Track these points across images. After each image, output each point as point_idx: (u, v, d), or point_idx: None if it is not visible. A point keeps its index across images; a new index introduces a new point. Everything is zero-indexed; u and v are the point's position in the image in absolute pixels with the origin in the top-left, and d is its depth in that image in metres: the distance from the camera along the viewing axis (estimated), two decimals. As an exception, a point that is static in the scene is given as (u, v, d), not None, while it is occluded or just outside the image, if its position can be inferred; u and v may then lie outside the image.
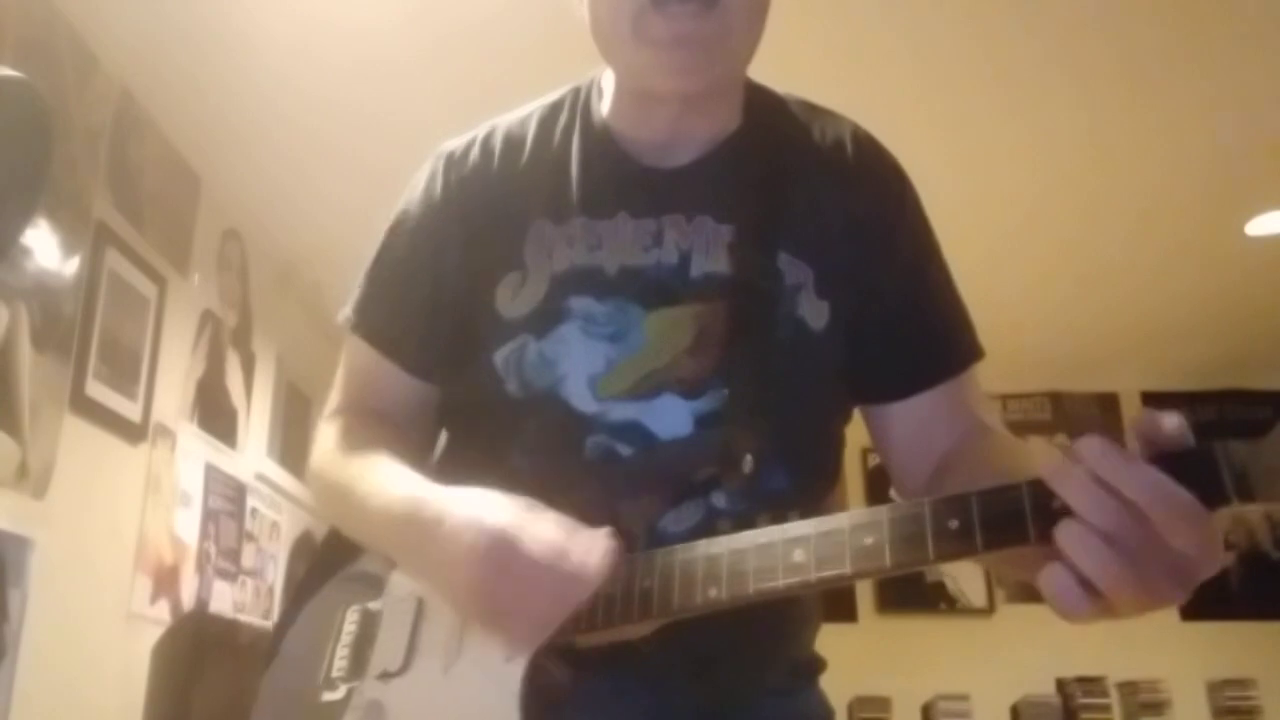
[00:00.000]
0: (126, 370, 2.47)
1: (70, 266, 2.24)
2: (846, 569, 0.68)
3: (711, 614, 0.75)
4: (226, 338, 3.09)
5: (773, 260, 0.90)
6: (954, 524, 0.65)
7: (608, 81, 0.99)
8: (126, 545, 2.45)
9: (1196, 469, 0.58)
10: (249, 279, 3.27)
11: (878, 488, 4.57)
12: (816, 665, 0.98)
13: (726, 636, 0.82)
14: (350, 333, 1.02)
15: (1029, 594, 4.41)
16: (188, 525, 2.76)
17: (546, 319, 0.90)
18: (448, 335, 0.96)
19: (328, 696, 0.90)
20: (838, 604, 4.28)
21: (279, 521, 3.48)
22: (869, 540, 0.67)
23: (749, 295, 0.89)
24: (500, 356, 0.91)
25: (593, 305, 0.90)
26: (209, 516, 2.89)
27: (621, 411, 0.87)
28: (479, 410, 0.95)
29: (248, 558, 3.17)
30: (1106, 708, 4.16)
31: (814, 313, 0.90)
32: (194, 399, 2.85)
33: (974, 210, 3.06)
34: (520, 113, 1.03)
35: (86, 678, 2.25)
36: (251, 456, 3.25)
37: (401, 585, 0.91)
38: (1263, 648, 4.27)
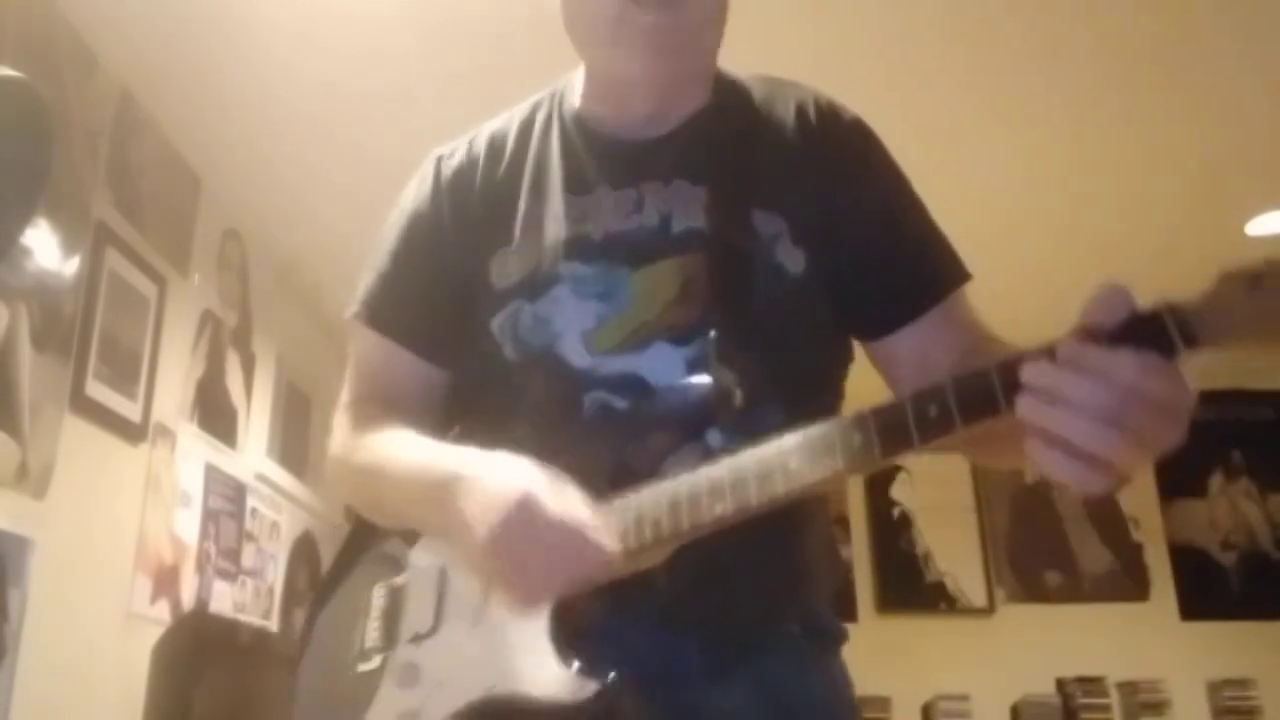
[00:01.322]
0: (126, 370, 2.47)
1: (70, 266, 2.24)
2: (840, 464, 0.74)
3: (722, 544, 0.81)
4: (226, 338, 3.09)
5: (747, 216, 0.96)
6: (933, 410, 0.71)
7: (579, 77, 1.07)
8: (126, 545, 2.45)
9: (1148, 330, 0.66)
10: (249, 279, 3.27)
11: (878, 487, 4.58)
12: (836, 633, 1.01)
13: (736, 573, 0.87)
14: (362, 326, 1.07)
15: (1029, 594, 4.43)
16: (188, 525, 2.76)
17: (538, 284, 0.96)
18: (450, 315, 1.02)
19: (364, 667, 0.95)
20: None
21: (279, 521, 3.48)
22: (858, 437, 0.74)
23: (727, 247, 0.95)
24: (496, 323, 0.97)
25: (581, 269, 0.96)
26: (209, 516, 2.89)
27: (615, 364, 0.92)
28: (482, 383, 1.00)
29: (248, 558, 3.17)
30: (1106, 708, 4.16)
31: (791, 259, 0.95)
32: (194, 399, 2.85)
33: (972, 210, 3.06)
34: (503, 115, 1.11)
35: (86, 678, 2.25)
36: (251, 456, 3.25)
37: (423, 559, 0.96)
38: (1263, 648, 4.27)
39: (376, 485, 0.99)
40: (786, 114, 1.03)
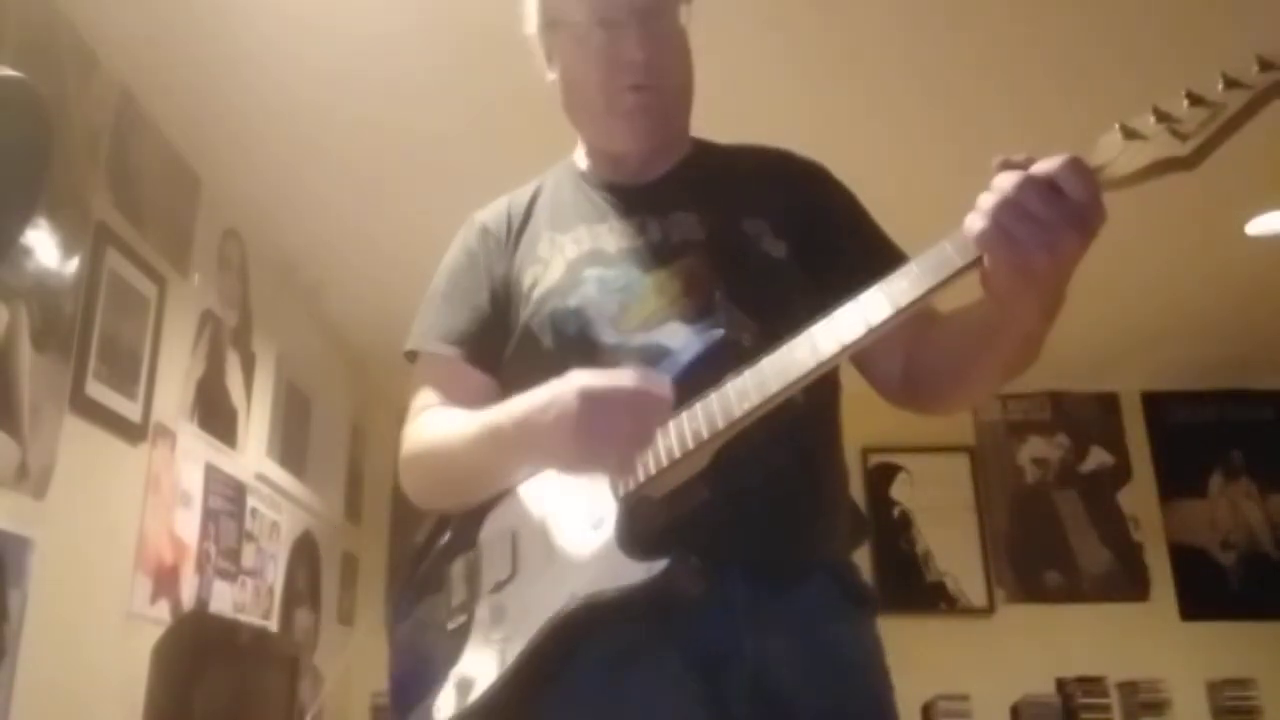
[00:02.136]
0: (126, 370, 2.47)
1: (70, 266, 2.24)
2: (834, 348, 0.92)
3: (753, 484, 1.00)
4: (226, 338, 3.09)
5: (737, 223, 1.17)
6: (902, 284, 0.90)
7: (578, 152, 1.32)
8: (126, 545, 2.45)
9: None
10: (249, 279, 3.27)
11: (878, 486, 4.59)
12: (870, 596, 1.13)
13: (766, 509, 1.04)
14: (430, 352, 1.24)
15: (1029, 594, 4.43)
16: (188, 525, 2.76)
17: (568, 286, 1.15)
18: (497, 330, 1.21)
19: (454, 624, 1.08)
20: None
21: (279, 521, 3.48)
22: (849, 320, 0.92)
23: (722, 244, 1.15)
24: (536, 322, 1.15)
25: (603, 271, 1.15)
26: (209, 516, 2.89)
27: (640, 339, 1.09)
28: (528, 372, 1.11)
29: (248, 558, 3.17)
30: (1106, 708, 4.16)
31: (775, 248, 1.16)
32: (194, 399, 2.85)
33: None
34: (524, 186, 1.33)
35: (86, 678, 2.25)
36: (251, 456, 3.25)
37: (491, 532, 1.10)
38: (1263, 648, 4.27)
39: (447, 459, 1.13)
40: (754, 155, 1.28)
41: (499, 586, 1.05)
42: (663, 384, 0.97)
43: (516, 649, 0.99)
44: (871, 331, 0.90)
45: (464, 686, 1.02)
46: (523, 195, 1.30)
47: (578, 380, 0.98)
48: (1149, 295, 3.88)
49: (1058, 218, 0.83)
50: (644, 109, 1.18)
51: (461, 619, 1.07)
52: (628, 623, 0.97)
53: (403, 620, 1.16)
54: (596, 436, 0.95)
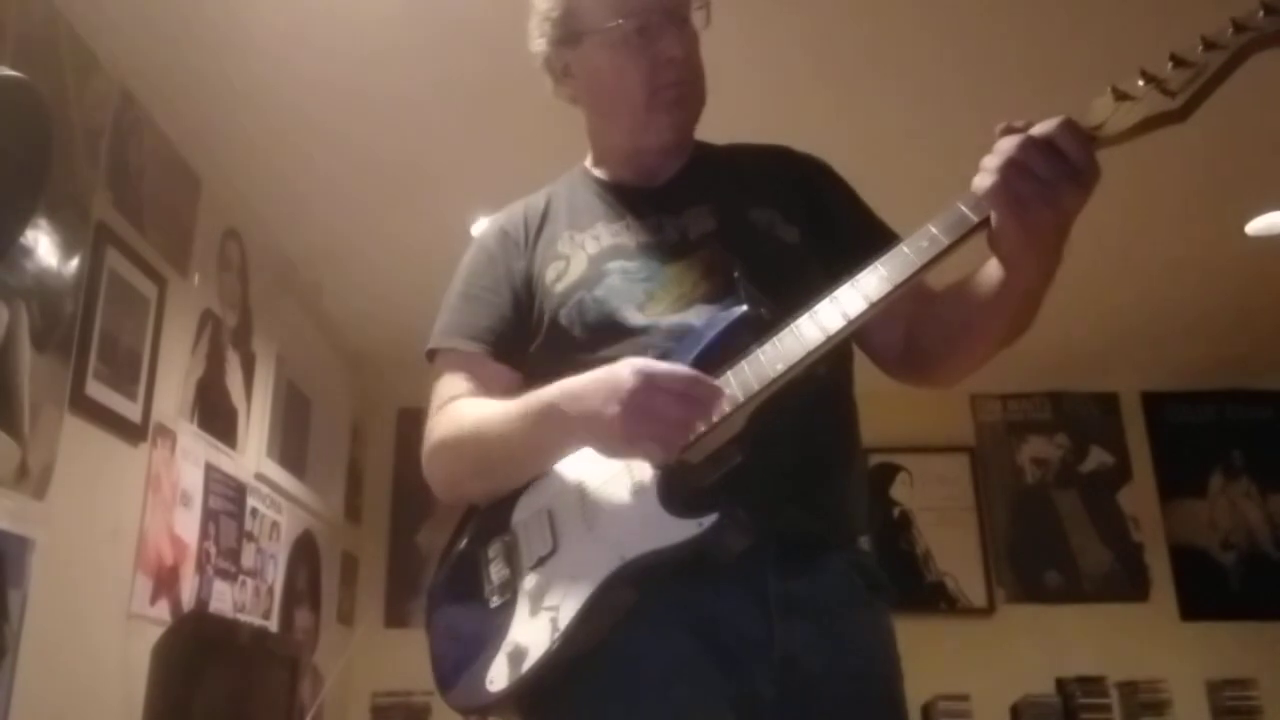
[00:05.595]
0: (126, 370, 2.47)
1: (70, 266, 2.24)
2: (863, 305, 0.97)
3: (779, 471, 1.04)
4: (226, 338, 3.09)
5: (746, 213, 1.22)
6: (924, 243, 0.96)
7: (588, 162, 1.36)
8: (126, 545, 2.45)
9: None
10: (249, 279, 3.27)
11: (878, 486, 4.58)
12: (885, 582, 1.16)
13: (792, 490, 1.08)
14: (451, 347, 1.25)
15: (1029, 594, 4.43)
16: (188, 525, 2.77)
17: (593, 278, 1.19)
18: (517, 324, 1.24)
19: (496, 602, 1.09)
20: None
21: (279, 521, 3.48)
22: (873, 278, 0.98)
23: (736, 232, 1.20)
24: (564, 314, 1.18)
25: (626, 264, 1.20)
26: (209, 516, 2.89)
27: (668, 321, 1.13)
28: (559, 360, 1.14)
29: (248, 558, 3.17)
30: (1106, 708, 4.16)
31: (787, 234, 1.21)
32: (194, 399, 2.85)
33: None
34: (535, 194, 1.36)
35: (86, 678, 2.25)
36: (251, 456, 3.25)
37: (524, 514, 1.12)
38: (1263, 648, 4.27)
39: (486, 441, 1.14)
40: (755, 151, 1.34)
41: (541, 562, 1.07)
42: (717, 383, 1.00)
43: (569, 615, 1.01)
44: (898, 286, 0.95)
45: (516, 656, 1.04)
46: (537, 200, 1.34)
47: (636, 360, 1.00)
48: (1149, 295, 3.88)
49: (1057, 175, 0.91)
50: (683, 102, 1.24)
51: (505, 596, 1.09)
52: (676, 585, 1.00)
53: (440, 605, 1.18)
54: (643, 416, 0.96)
